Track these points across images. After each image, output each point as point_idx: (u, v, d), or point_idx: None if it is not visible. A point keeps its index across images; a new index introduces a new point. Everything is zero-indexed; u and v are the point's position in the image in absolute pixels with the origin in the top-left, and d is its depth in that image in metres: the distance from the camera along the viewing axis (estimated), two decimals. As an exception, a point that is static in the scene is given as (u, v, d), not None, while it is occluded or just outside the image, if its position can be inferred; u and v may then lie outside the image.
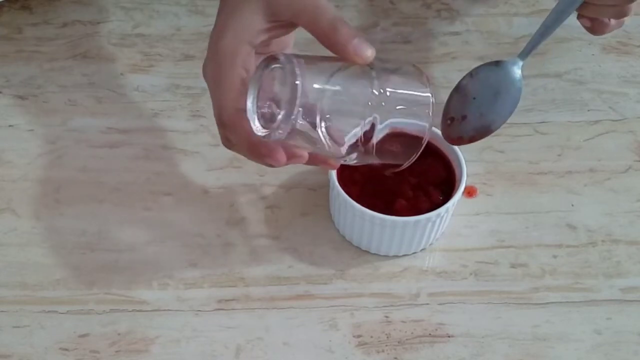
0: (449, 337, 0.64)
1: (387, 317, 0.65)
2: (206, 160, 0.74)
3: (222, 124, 0.59)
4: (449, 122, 0.62)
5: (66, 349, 0.62)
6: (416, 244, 0.67)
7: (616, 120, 0.79)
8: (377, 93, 0.55)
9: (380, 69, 0.56)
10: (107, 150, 0.75)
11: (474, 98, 0.61)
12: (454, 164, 0.68)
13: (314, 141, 0.55)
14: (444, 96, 0.80)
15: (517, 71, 0.62)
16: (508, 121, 0.78)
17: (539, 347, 0.63)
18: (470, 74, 0.62)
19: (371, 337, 0.64)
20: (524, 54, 0.62)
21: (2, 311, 0.64)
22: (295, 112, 0.53)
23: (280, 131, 0.53)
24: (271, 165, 0.58)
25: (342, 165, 0.67)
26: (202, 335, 0.63)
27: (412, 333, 0.64)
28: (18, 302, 0.65)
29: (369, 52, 0.55)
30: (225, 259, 0.68)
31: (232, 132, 0.58)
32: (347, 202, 0.65)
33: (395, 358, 0.63)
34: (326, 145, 0.55)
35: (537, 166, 0.75)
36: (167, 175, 0.73)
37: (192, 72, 0.81)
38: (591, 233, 0.70)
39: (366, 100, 0.55)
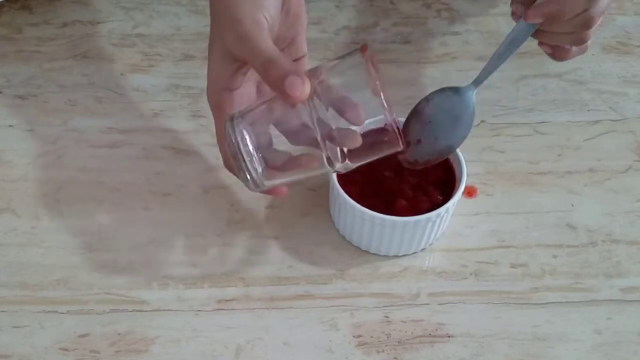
0: (449, 337, 0.64)
1: (387, 317, 0.65)
2: (206, 160, 0.74)
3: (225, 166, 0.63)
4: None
5: (66, 349, 0.62)
6: (416, 244, 0.67)
7: (616, 120, 0.79)
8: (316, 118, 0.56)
9: (324, 82, 0.56)
10: (107, 150, 0.75)
11: (429, 122, 0.63)
12: (454, 164, 0.68)
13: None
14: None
15: (471, 98, 0.63)
16: (508, 121, 0.79)
17: (539, 347, 0.63)
18: (427, 99, 0.64)
19: (371, 337, 0.64)
20: (477, 82, 0.64)
21: (2, 311, 0.64)
22: (249, 169, 0.57)
23: (258, 186, 0.58)
24: None
25: None
26: (202, 335, 0.63)
27: (412, 333, 0.64)
28: (18, 302, 0.65)
29: (299, 92, 0.54)
30: (225, 259, 0.68)
31: (233, 173, 0.62)
32: (347, 202, 0.65)
33: (395, 358, 0.63)
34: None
35: (537, 166, 0.75)
36: (167, 175, 0.73)
37: (192, 72, 0.81)
38: (591, 233, 0.70)
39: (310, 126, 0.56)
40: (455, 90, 0.63)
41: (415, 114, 0.64)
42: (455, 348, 0.63)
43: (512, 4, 0.65)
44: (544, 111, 0.79)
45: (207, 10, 0.87)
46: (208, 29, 0.88)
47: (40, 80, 0.80)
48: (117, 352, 0.62)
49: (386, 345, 0.63)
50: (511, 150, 0.76)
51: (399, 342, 0.63)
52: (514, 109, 0.79)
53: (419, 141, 0.64)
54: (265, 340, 0.63)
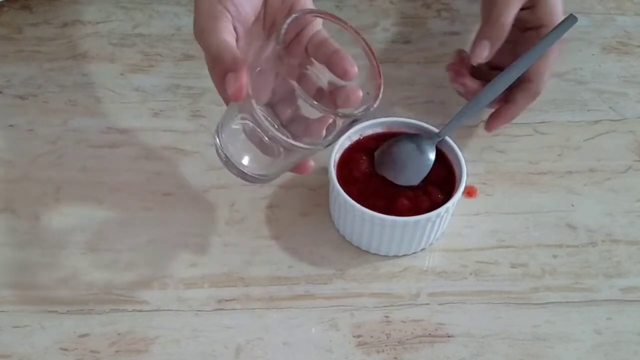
0: (449, 337, 0.64)
1: (387, 317, 0.65)
2: (206, 160, 0.74)
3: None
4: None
5: (66, 349, 0.62)
6: (416, 244, 0.67)
7: (616, 120, 0.79)
8: None
9: None
10: (107, 150, 0.75)
11: (393, 161, 0.68)
12: (454, 164, 0.68)
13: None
14: (443, 97, 0.80)
15: (432, 147, 0.69)
16: (508, 121, 0.78)
17: (539, 347, 0.63)
18: (395, 140, 0.69)
19: (371, 337, 0.64)
20: (443, 132, 0.69)
21: (2, 311, 0.64)
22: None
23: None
24: None
25: (341, 165, 0.67)
26: (202, 335, 0.63)
27: (412, 333, 0.64)
28: (18, 302, 0.65)
29: (230, 90, 0.53)
30: (225, 259, 0.68)
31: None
32: (347, 202, 0.65)
33: (395, 358, 0.63)
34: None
35: (537, 166, 0.75)
36: (167, 175, 0.73)
37: (192, 72, 0.81)
38: (591, 233, 0.70)
39: None
40: (419, 143, 0.69)
41: (383, 152, 0.69)
42: (455, 348, 0.63)
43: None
44: (544, 111, 0.79)
45: (207, 10, 0.87)
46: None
47: (40, 80, 0.80)
48: (117, 352, 0.62)
49: (386, 345, 0.63)
50: (511, 150, 0.76)
51: (399, 342, 0.63)
52: (514, 109, 0.79)
53: (383, 177, 0.68)
54: (265, 340, 0.63)
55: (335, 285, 0.67)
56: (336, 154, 0.68)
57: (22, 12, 0.86)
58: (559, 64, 0.83)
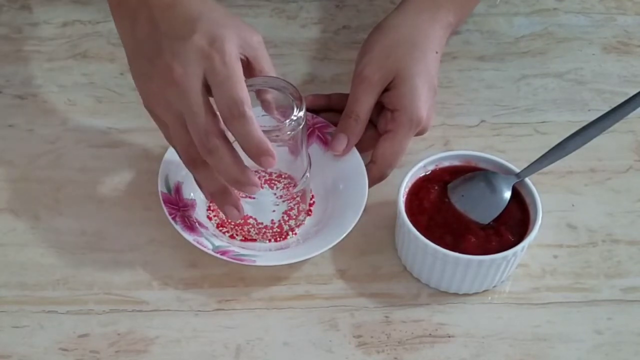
0: (449, 337, 0.64)
1: (387, 317, 0.65)
2: (206, 160, 0.74)
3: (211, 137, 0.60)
4: (446, 200, 0.67)
5: (66, 349, 0.62)
6: (478, 285, 0.65)
7: (617, 120, 0.79)
8: None
9: None
10: (107, 150, 0.74)
11: (466, 196, 0.66)
12: (530, 207, 0.66)
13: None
14: (443, 96, 0.80)
15: (508, 186, 0.67)
16: (509, 121, 0.79)
17: (540, 347, 0.63)
18: (471, 176, 0.67)
19: (371, 337, 0.64)
20: (524, 173, 0.67)
21: (2, 311, 0.64)
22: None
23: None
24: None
25: (412, 194, 0.67)
26: (202, 335, 0.63)
27: (412, 333, 0.64)
28: (18, 302, 0.65)
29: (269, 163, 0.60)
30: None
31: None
32: (410, 232, 0.63)
33: (396, 358, 0.62)
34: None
35: (537, 166, 0.75)
36: (167, 175, 0.73)
37: (192, 72, 0.81)
38: (592, 233, 0.70)
39: None
40: (495, 181, 0.67)
41: (456, 186, 0.67)
42: (455, 348, 0.63)
43: None
44: (545, 111, 0.79)
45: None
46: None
47: (40, 80, 0.80)
48: (116, 352, 0.62)
49: (386, 346, 0.63)
50: (512, 150, 0.76)
51: (399, 343, 0.63)
52: (514, 109, 0.79)
53: (454, 211, 0.66)
54: (265, 340, 0.63)
55: (335, 285, 0.67)
56: (408, 182, 0.66)
57: (21, 12, 0.86)
58: (559, 64, 0.83)
